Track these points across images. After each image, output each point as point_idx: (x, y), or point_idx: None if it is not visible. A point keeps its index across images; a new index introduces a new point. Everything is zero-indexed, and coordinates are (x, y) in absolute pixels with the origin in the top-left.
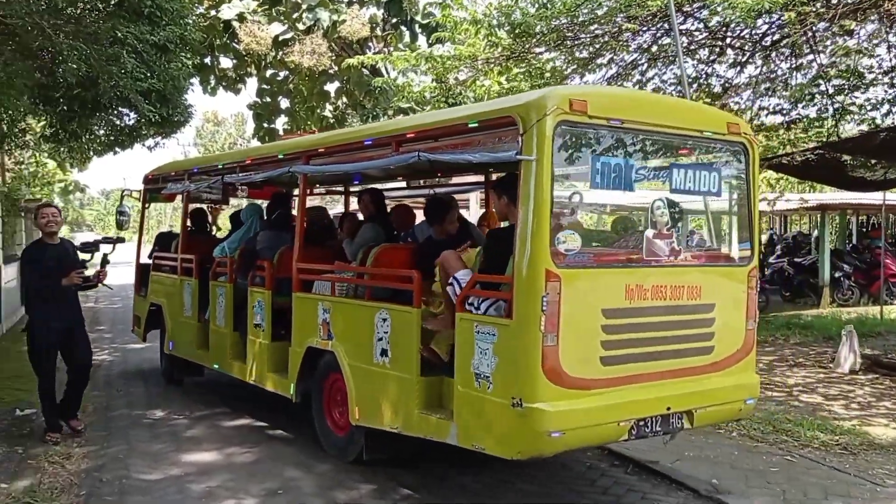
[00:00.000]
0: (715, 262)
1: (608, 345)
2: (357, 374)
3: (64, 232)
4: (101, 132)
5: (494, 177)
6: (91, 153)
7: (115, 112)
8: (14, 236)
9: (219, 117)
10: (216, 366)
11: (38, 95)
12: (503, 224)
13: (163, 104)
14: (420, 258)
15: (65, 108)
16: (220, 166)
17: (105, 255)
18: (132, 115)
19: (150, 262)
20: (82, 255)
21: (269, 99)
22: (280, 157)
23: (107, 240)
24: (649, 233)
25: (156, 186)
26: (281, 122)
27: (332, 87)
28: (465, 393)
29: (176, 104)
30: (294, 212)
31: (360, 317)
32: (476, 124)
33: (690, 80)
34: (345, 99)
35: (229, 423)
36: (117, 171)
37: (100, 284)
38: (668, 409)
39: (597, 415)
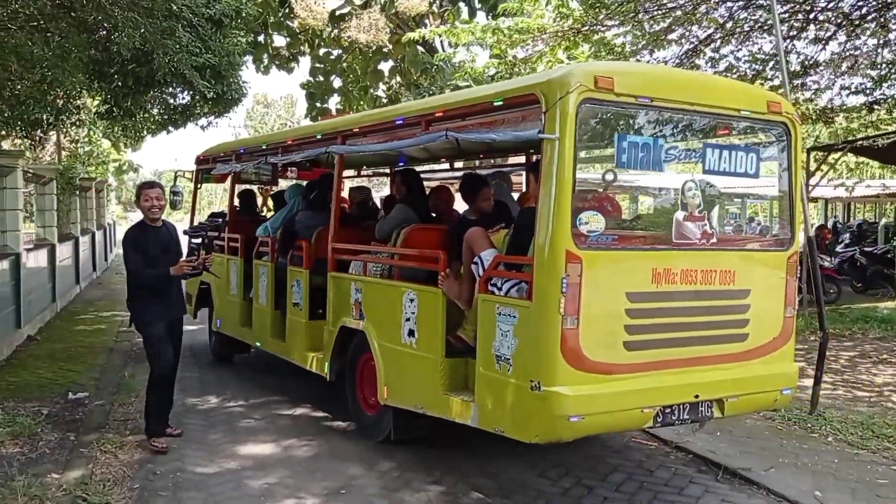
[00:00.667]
0: (751, 246)
1: (633, 329)
2: (386, 353)
3: (118, 212)
4: (155, 111)
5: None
6: (145, 132)
7: (170, 89)
8: (69, 215)
9: (269, 99)
10: (258, 343)
11: (92, 71)
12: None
13: (217, 80)
14: (452, 238)
15: (119, 83)
16: (264, 147)
17: (211, 239)
18: (186, 93)
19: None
20: (194, 241)
21: (321, 78)
22: (318, 137)
23: (213, 221)
24: (679, 215)
25: (207, 167)
26: (334, 102)
27: (385, 67)
28: (486, 375)
29: (230, 81)
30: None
31: (389, 297)
32: (501, 102)
33: (765, 57)
34: (399, 78)
35: (286, 411)
36: (169, 152)
37: (205, 272)
38: (697, 396)
39: (619, 400)
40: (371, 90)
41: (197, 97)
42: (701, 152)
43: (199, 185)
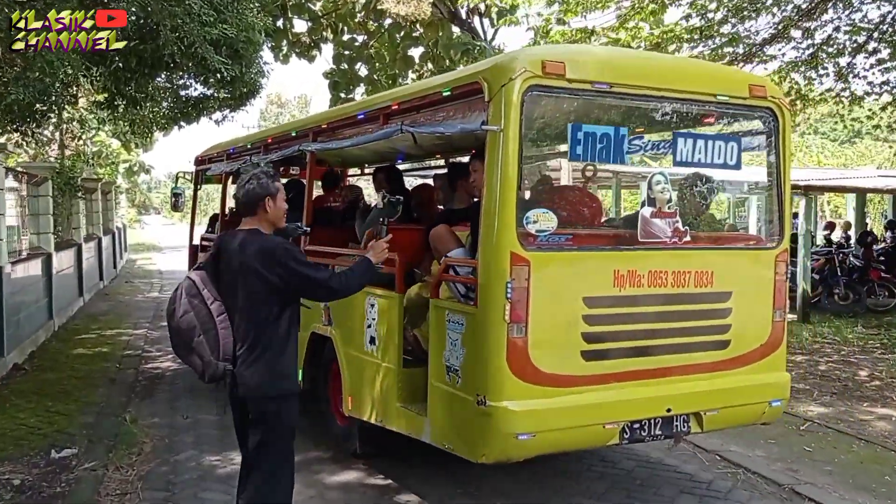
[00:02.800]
0: (733, 244)
1: (591, 337)
2: (350, 362)
3: (132, 215)
4: (165, 104)
5: None
6: (154, 126)
7: (180, 73)
8: (70, 219)
9: (282, 99)
10: None
11: (89, 53)
12: None
13: (234, 60)
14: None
15: (120, 65)
16: (248, 146)
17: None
18: (198, 81)
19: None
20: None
21: (346, 66)
22: (293, 134)
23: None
24: (646, 211)
25: (205, 167)
26: (360, 93)
27: (416, 53)
28: (437, 387)
29: (249, 60)
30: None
31: (354, 303)
32: (449, 92)
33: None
34: (430, 65)
35: (335, 478)
36: (182, 153)
37: None
38: (669, 410)
39: (576, 415)
40: (400, 78)
41: (211, 81)
42: (671, 142)
43: (199, 186)
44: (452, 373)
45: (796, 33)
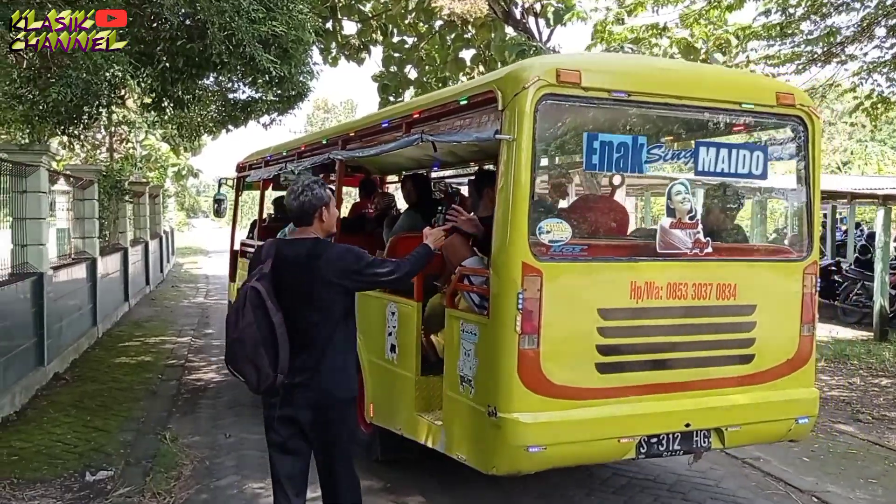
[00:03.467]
0: (758, 256)
1: (606, 350)
2: (372, 369)
3: (181, 218)
4: (213, 107)
5: None
6: (201, 130)
7: (227, 71)
8: (116, 223)
9: (329, 104)
10: None
11: (136, 53)
12: None
13: (283, 60)
14: None
15: (167, 64)
16: (284, 153)
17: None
18: (246, 84)
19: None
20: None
21: (395, 69)
22: (324, 142)
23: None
24: (665, 222)
25: (246, 174)
26: (409, 96)
27: (467, 55)
28: (451, 397)
29: (299, 60)
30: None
31: (375, 309)
32: (466, 101)
33: None
34: (482, 68)
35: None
36: (229, 158)
37: None
38: (688, 425)
39: (590, 429)
40: (450, 81)
41: (260, 82)
42: (693, 151)
43: (240, 192)
44: (466, 383)
45: (880, 31)
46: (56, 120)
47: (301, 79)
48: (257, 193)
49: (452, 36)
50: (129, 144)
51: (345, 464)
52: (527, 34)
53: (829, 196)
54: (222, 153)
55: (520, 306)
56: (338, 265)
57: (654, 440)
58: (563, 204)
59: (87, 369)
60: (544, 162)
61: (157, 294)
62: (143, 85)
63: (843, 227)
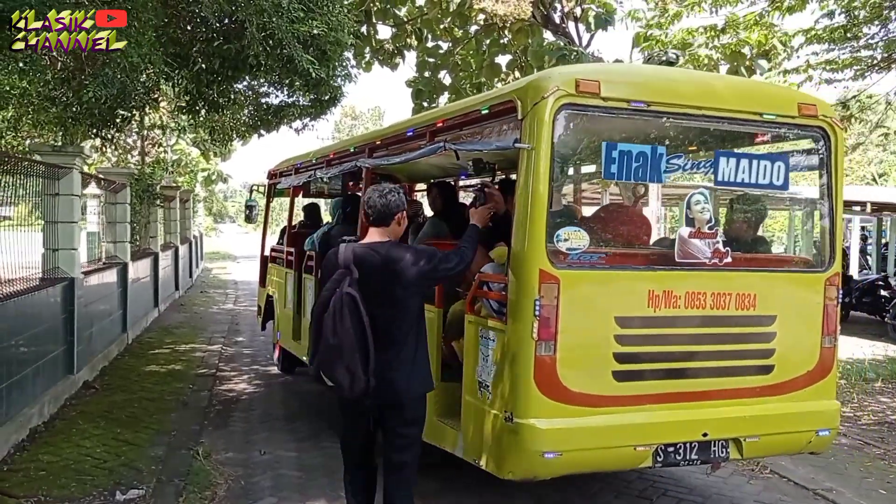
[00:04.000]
0: (779, 267)
1: (624, 358)
2: None
3: (209, 223)
4: (245, 111)
5: None
6: (233, 134)
7: (263, 73)
8: (147, 228)
9: (356, 111)
10: (305, 358)
11: (172, 54)
12: None
13: (321, 62)
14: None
15: (202, 66)
16: (314, 161)
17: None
18: (279, 91)
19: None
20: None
21: (429, 74)
22: (351, 150)
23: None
24: (684, 231)
25: (276, 181)
26: (444, 101)
27: (503, 60)
28: (469, 402)
29: (337, 63)
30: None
31: None
32: (487, 111)
33: None
34: (518, 74)
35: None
36: (259, 164)
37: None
38: (706, 435)
39: (606, 436)
40: (486, 87)
41: (297, 84)
42: (713, 161)
43: (271, 199)
44: (484, 388)
45: None
46: (90, 122)
47: (338, 82)
48: (287, 200)
49: (488, 41)
50: (161, 149)
51: (415, 456)
52: (566, 39)
53: (880, 208)
54: (251, 159)
55: (537, 313)
56: (414, 269)
57: (672, 449)
58: (586, 212)
59: (117, 378)
60: (564, 170)
61: (187, 300)
62: (177, 87)
63: (884, 241)
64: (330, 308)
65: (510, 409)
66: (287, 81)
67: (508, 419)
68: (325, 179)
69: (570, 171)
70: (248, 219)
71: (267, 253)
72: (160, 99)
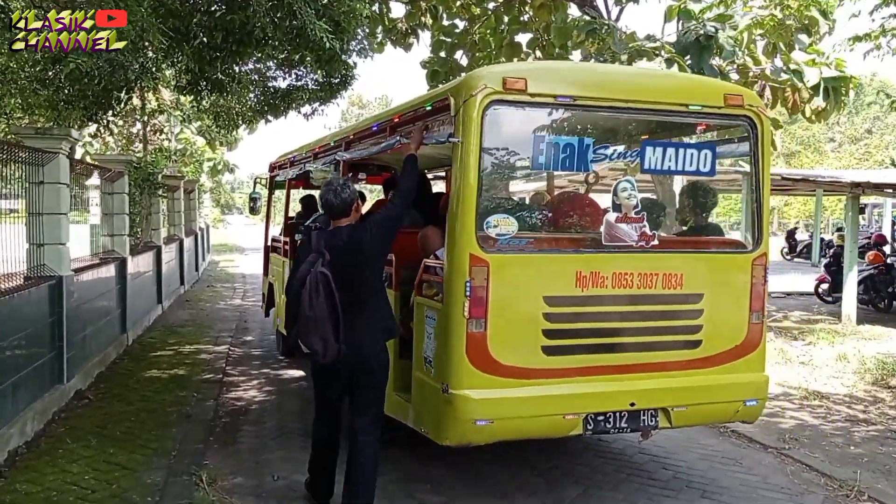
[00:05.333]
0: (705, 248)
1: (552, 334)
2: None
3: (216, 214)
4: (252, 95)
5: None
6: (239, 119)
7: (270, 48)
8: (149, 220)
9: (363, 100)
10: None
11: (171, 29)
12: None
13: (336, 33)
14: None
15: (204, 40)
16: (304, 154)
17: None
18: (287, 72)
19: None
20: None
21: (445, 54)
22: (332, 144)
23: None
24: (611, 216)
25: (275, 174)
26: None
27: (524, 39)
28: (417, 376)
29: (351, 36)
30: None
31: None
32: (431, 107)
33: None
34: (539, 53)
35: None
36: (265, 155)
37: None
38: (633, 404)
39: (535, 406)
40: None
41: (308, 59)
42: (640, 150)
43: (272, 191)
44: (428, 364)
45: None
46: (83, 105)
47: (352, 58)
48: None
49: (508, 18)
50: (164, 136)
51: (380, 400)
52: (595, 12)
53: None
54: (257, 149)
55: (468, 293)
56: (371, 237)
57: (601, 418)
58: (537, 201)
59: (114, 385)
60: (496, 162)
61: (192, 295)
62: (177, 64)
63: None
64: (307, 285)
65: (446, 382)
66: (297, 57)
67: (445, 390)
68: (312, 172)
69: (515, 163)
70: (253, 210)
71: (269, 243)
72: (159, 78)
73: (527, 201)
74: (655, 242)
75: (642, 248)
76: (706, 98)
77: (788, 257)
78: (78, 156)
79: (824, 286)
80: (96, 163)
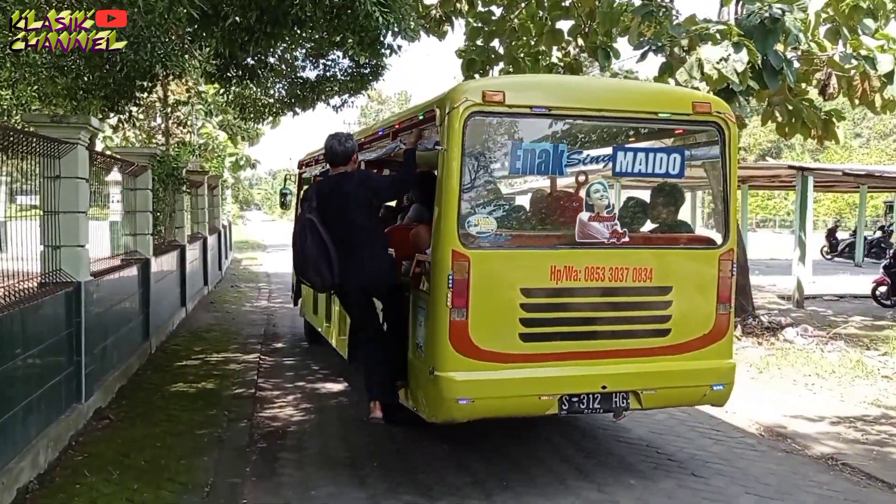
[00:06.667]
0: (675, 244)
1: (529, 322)
2: None
3: (235, 211)
4: (279, 86)
5: None
6: (266, 112)
7: (308, 28)
8: (173, 217)
9: (382, 96)
10: (320, 328)
11: (200, 13)
12: None
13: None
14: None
15: (236, 20)
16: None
17: None
18: (313, 65)
19: None
20: None
21: (481, 42)
22: None
23: None
24: (584, 215)
25: (303, 171)
26: (498, 71)
27: (565, 25)
28: (411, 361)
29: (399, 15)
30: None
31: None
32: (422, 116)
33: None
34: (581, 41)
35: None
36: (285, 151)
37: None
38: (604, 387)
39: (512, 386)
40: (543, 58)
41: (350, 42)
42: (611, 155)
43: (301, 187)
44: (419, 349)
45: None
46: (104, 94)
47: (398, 40)
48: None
49: (548, 4)
50: (186, 129)
51: (401, 320)
52: None
53: None
54: (277, 146)
55: (450, 285)
56: (358, 191)
57: (575, 399)
58: (521, 201)
59: (137, 402)
60: (479, 167)
61: (216, 296)
62: (206, 47)
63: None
64: (298, 229)
65: (433, 365)
66: (338, 39)
67: (431, 373)
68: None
69: (494, 168)
70: (283, 205)
71: None
72: (185, 64)
73: (523, 203)
74: (626, 239)
75: (613, 244)
76: (675, 106)
77: (829, 257)
78: (98, 149)
79: (882, 289)
80: (117, 156)
